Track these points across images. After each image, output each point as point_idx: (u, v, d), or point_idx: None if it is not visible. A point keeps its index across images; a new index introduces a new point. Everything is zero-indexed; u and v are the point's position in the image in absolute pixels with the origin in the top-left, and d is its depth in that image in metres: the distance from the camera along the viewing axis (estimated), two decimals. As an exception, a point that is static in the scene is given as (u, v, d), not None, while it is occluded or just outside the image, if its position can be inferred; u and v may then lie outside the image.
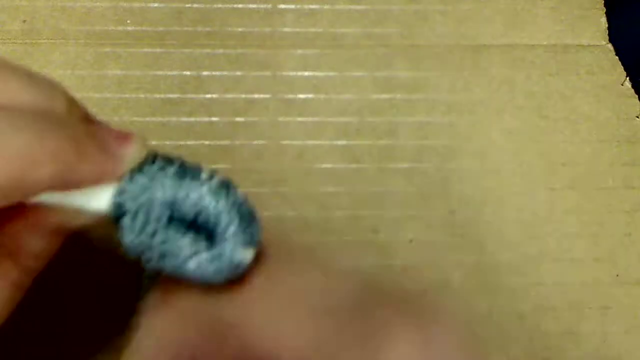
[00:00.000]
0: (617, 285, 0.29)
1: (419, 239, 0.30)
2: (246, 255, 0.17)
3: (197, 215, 0.17)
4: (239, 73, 0.32)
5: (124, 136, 0.18)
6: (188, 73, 0.32)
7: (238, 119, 0.31)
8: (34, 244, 0.18)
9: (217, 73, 0.32)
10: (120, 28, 0.33)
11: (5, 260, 0.18)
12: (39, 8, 0.32)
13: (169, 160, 0.18)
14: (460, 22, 0.34)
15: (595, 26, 0.35)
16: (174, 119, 0.31)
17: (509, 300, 0.29)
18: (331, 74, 0.32)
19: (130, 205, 0.17)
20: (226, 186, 0.18)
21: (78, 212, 0.18)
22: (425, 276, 0.29)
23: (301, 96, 0.32)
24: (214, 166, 0.30)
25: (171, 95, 0.31)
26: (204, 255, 0.17)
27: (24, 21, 0.32)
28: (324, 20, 0.34)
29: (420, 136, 0.32)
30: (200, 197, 0.17)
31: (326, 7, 0.34)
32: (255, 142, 0.31)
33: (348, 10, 0.34)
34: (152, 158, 0.18)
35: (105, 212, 0.18)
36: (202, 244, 0.17)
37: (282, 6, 0.34)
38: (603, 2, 0.35)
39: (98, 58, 0.32)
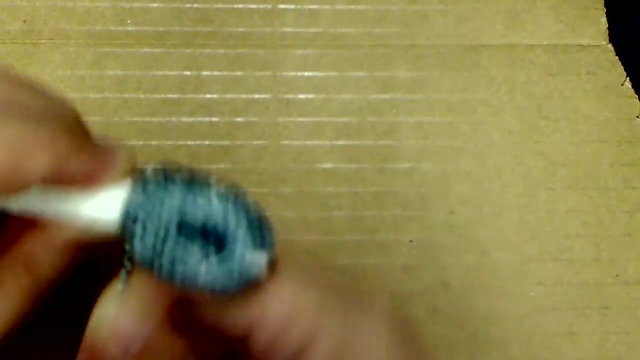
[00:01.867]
0: (617, 285, 0.29)
1: (419, 239, 0.30)
2: (257, 258, 0.17)
3: (206, 222, 0.17)
4: (239, 73, 0.32)
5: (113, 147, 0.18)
6: (188, 73, 0.32)
7: (238, 119, 0.31)
8: (48, 256, 0.19)
9: (217, 73, 0.32)
10: (120, 28, 0.33)
11: (19, 268, 0.19)
12: (39, 8, 0.32)
13: (176, 170, 0.18)
14: (460, 22, 0.34)
15: (595, 26, 0.35)
16: (174, 119, 0.31)
17: (509, 300, 0.29)
18: (331, 74, 0.32)
19: (139, 214, 0.18)
20: (234, 192, 0.18)
21: (89, 224, 0.18)
22: (425, 276, 0.29)
23: (301, 96, 0.32)
24: (214, 166, 0.30)
25: (171, 95, 0.31)
26: (213, 258, 0.17)
27: (24, 21, 0.32)
28: (324, 20, 0.34)
29: (420, 136, 0.32)
30: (208, 202, 0.17)
31: (326, 7, 0.34)
32: (255, 142, 0.31)
33: (348, 10, 0.34)
34: (160, 169, 0.18)
35: (115, 223, 0.18)
36: (212, 248, 0.17)
37: (282, 6, 0.34)
38: (603, 2, 0.35)
39: (98, 58, 0.32)
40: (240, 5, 0.34)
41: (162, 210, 0.17)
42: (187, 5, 0.33)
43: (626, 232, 0.30)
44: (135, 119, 0.31)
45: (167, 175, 0.18)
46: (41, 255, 0.19)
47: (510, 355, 0.28)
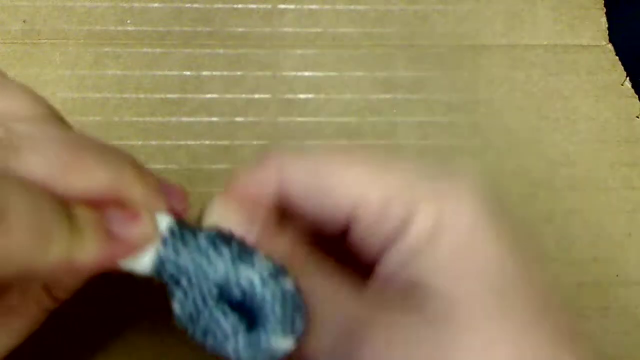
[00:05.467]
0: (617, 285, 0.29)
1: (419, 239, 0.30)
2: (284, 344, 0.18)
3: (243, 297, 0.18)
4: (239, 73, 0.32)
5: (129, 216, 0.18)
6: (188, 73, 0.32)
7: (238, 119, 0.31)
8: (69, 282, 0.20)
9: (217, 73, 0.32)
10: (120, 28, 0.33)
11: (41, 291, 0.19)
12: (39, 8, 0.32)
13: (225, 239, 0.19)
14: (460, 22, 0.34)
15: (595, 26, 0.35)
16: (174, 119, 0.31)
17: (509, 300, 0.29)
18: (331, 74, 0.32)
19: (182, 279, 0.18)
20: (276, 274, 0.18)
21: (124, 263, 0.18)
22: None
23: (301, 96, 0.32)
24: (214, 166, 0.30)
25: (171, 95, 0.31)
26: (242, 340, 0.18)
27: (24, 21, 0.32)
28: (324, 20, 0.34)
29: (420, 136, 0.32)
30: (249, 283, 0.18)
31: (326, 7, 0.34)
32: (255, 142, 0.31)
33: (348, 10, 0.34)
34: (212, 234, 0.19)
35: (150, 268, 0.18)
36: (243, 327, 0.18)
37: (282, 6, 0.34)
38: (603, 2, 0.35)
39: (98, 58, 0.32)
40: (240, 5, 0.34)
41: (205, 282, 0.18)
42: (187, 5, 0.33)
43: (626, 232, 0.30)
44: (135, 119, 0.31)
45: (213, 244, 0.18)
46: (65, 281, 0.20)
47: (510, 355, 0.28)
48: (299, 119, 0.31)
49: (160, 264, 0.18)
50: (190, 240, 0.18)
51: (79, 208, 0.17)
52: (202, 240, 0.18)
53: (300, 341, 0.18)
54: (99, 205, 0.17)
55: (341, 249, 0.19)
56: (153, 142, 0.30)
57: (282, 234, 0.19)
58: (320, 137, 0.31)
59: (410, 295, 0.17)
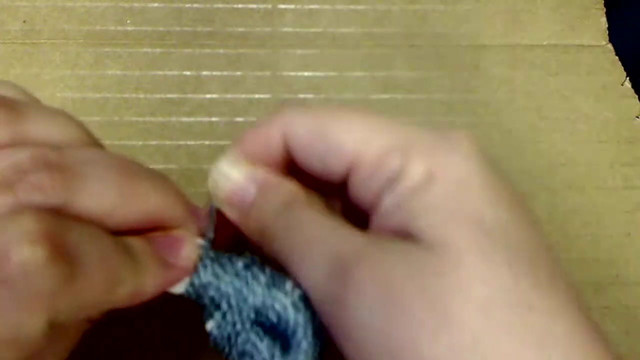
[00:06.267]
0: (617, 285, 0.29)
1: (419, 239, 0.30)
2: None
3: (277, 321, 0.19)
4: (239, 73, 0.32)
5: (175, 241, 0.19)
6: (188, 73, 0.32)
7: (238, 119, 0.31)
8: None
9: (217, 73, 0.32)
10: (120, 28, 0.33)
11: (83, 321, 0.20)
12: (39, 8, 0.32)
13: (260, 266, 0.20)
14: (460, 22, 0.34)
15: (595, 26, 0.35)
16: (174, 119, 0.31)
17: (509, 300, 0.29)
18: (331, 74, 0.32)
19: (222, 303, 0.19)
20: (305, 300, 0.19)
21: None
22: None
23: (301, 96, 0.32)
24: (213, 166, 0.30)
25: (171, 95, 0.31)
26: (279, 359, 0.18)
27: (24, 21, 0.32)
28: (324, 20, 0.34)
29: (420, 136, 0.32)
30: (283, 308, 0.19)
31: (326, 7, 0.34)
32: (255, 142, 0.31)
33: (348, 10, 0.34)
34: (246, 258, 0.20)
35: (183, 288, 0.19)
36: (278, 351, 0.19)
37: (282, 6, 0.34)
38: (603, 2, 0.35)
39: (98, 58, 0.32)
40: (240, 5, 0.34)
41: (244, 306, 0.19)
42: (187, 5, 0.33)
43: (626, 232, 0.30)
44: (135, 119, 0.31)
45: (251, 271, 0.19)
46: None
47: (510, 355, 0.28)
48: (299, 119, 0.31)
49: (200, 287, 0.19)
50: (227, 264, 0.19)
51: (132, 239, 0.17)
52: (239, 265, 0.19)
53: None
54: (141, 230, 0.18)
55: (343, 203, 0.20)
56: (153, 142, 0.30)
57: (286, 180, 0.20)
58: (320, 137, 0.31)
59: (401, 236, 0.17)
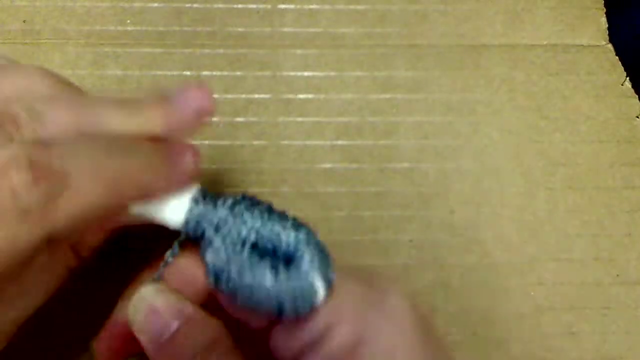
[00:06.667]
0: (617, 285, 0.29)
1: (419, 239, 0.30)
2: (321, 287, 0.18)
3: (278, 246, 0.19)
4: (239, 73, 0.32)
5: (181, 149, 0.20)
6: (188, 73, 0.32)
7: (238, 119, 0.31)
8: (94, 239, 0.21)
9: (217, 73, 0.32)
10: (120, 28, 0.33)
11: (69, 251, 0.20)
12: (39, 8, 0.32)
13: (253, 200, 0.20)
14: (460, 22, 0.34)
15: (595, 26, 0.35)
16: (174, 119, 0.31)
17: (509, 300, 0.29)
18: (331, 74, 0.32)
19: (218, 230, 0.19)
20: (307, 227, 0.20)
21: (160, 222, 0.20)
22: (425, 276, 0.29)
23: (301, 96, 0.32)
24: (213, 166, 0.30)
25: (171, 95, 0.31)
26: (283, 272, 0.18)
27: (24, 21, 0.32)
28: (324, 20, 0.34)
29: (420, 136, 0.32)
30: (283, 229, 0.19)
31: (326, 7, 0.34)
32: (255, 142, 0.31)
33: (348, 10, 0.34)
34: (248, 197, 0.20)
35: (181, 227, 0.20)
36: (281, 264, 0.19)
37: (282, 6, 0.34)
38: (603, 2, 0.35)
39: (98, 58, 0.32)
40: (240, 5, 0.34)
41: (243, 227, 0.19)
42: (187, 5, 0.33)
43: (626, 232, 0.30)
44: (135, 119, 0.31)
45: (246, 205, 0.20)
46: (89, 239, 0.21)
47: (510, 355, 0.28)
48: (299, 119, 0.31)
49: (196, 218, 0.19)
50: (220, 199, 0.20)
51: (138, 141, 0.19)
52: (234, 200, 0.20)
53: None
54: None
55: (264, 346, 0.20)
56: (153, 142, 0.30)
57: (211, 318, 0.19)
58: (320, 137, 0.31)
59: None
